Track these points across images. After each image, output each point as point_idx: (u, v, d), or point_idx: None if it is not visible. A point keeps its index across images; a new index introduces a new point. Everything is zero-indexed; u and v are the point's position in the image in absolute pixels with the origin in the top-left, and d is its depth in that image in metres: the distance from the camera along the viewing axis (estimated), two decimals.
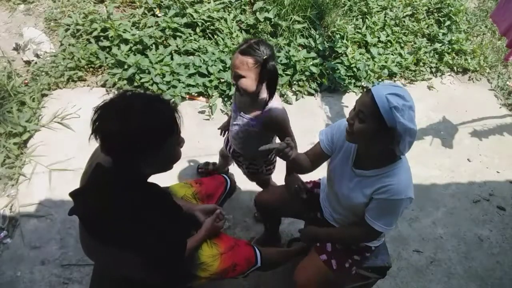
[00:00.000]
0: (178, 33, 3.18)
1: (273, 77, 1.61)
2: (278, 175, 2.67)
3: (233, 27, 3.29)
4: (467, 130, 3.26)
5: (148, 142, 1.07)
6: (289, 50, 3.21)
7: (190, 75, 2.98)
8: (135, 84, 2.88)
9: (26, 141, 2.59)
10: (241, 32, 3.36)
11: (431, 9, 3.96)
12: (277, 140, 1.88)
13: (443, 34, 3.75)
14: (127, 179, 1.15)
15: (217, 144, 2.80)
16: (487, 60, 3.76)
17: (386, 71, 3.39)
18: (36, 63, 2.99)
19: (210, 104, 2.94)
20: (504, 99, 3.57)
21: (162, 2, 3.32)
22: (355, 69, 3.26)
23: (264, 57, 1.54)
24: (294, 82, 3.21)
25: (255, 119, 1.72)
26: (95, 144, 1.12)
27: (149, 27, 3.14)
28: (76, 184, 1.30)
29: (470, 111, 3.40)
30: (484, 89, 3.66)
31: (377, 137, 1.28)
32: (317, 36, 3.37)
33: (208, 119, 2.93)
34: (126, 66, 2.88)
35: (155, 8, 3.30)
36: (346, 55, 3.31)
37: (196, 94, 3.01)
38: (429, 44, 3.72)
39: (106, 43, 3.02)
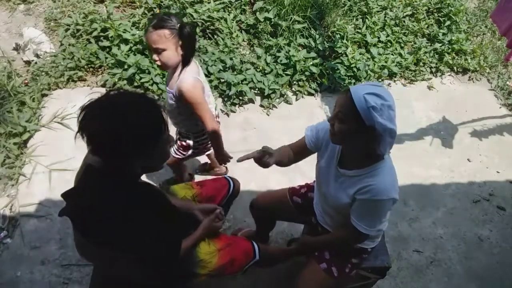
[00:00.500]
0: None
1: (191, 43, 1.64)
2: (278, 176, 2.68)
3: (233, 27, 3.29)
4: (467, 130, 3.26)
5: (134, 142, 1.06)
6: (289, 50, 3.21)
7: None
8: (135, 84, 2.88)
9: (26, 141, 2.59)
10: (241, 32, 3.36)
11: (431, 9, 3.95)
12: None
13: (443, 34, 3.75)
14: (116, 179, 1.15)
15: None
16: (487, 60, 3.76)
17: (386, 71, 3.39)
18: (36, 63, 2.99)
19: None
20: (504, 99, 3.57)
21: (162, 2, 3.32)
22: (355, 69, 3.26)
23: (178, 25, 1.58)
24: (294, 82, 3.21)
25: (171, 92, 1.76)
26: None
27: None
28: None
29: (470, 111, 3.40)
30: (484, 89, 3.66)
31: (358, 137, 1.28)
32: (317, 36, 3.37)
33: None
34: (126, 66, 2.88)
35: (155, 8, 3.30)
36: (346, 55, 3.31)
37: None
38: (429, 44, 3.72)
39: (106, 43, 3.02)
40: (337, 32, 3.48)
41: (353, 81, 3.29)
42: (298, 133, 3.17)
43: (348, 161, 1.45)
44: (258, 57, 3.21)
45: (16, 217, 2.27)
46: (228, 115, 2.98)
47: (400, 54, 3.55)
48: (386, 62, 3.40)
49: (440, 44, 3.68)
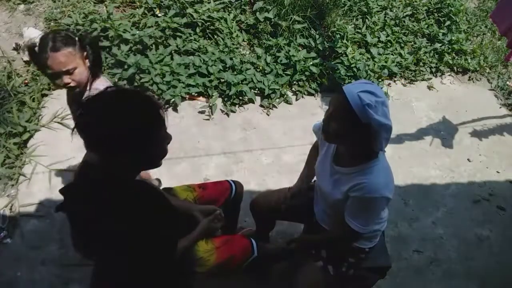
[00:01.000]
0: (178, 33, 3.18)
1: (96, 50, 1.57)
2: (278, 176, 2.68)
3: (233, 27, 3.29)
4: (467, 130, 3.26)
5: (132, 139, 1.06)
6: (289, 50, 3.21)
7: (190, 75, 2.98)
8: (135, 84, 2.88)
9: (26, 141, 2.59)
10: (241, 32, 3.36)
11: (431, 9, 3.95)
12: None
13: (443, 34, 3.75)
14: (113, 176, 1.14)
15: (217, 144, 2.81)
16: (487, 60, 3.76)
17: (386, 71, 3.39)
18: None
19: (210, 104, 2.94)
20: (504, 99, 3.57)
21: (162, 2, 3.31)
22: (355, 69, 3.26)
23: (75, 37, 1.52)
24: (294, 82, 3.21)
25: None
26: None
27: (149, 27, 3.14)
28: None
29: (470, 111, 3.40)
30: (484, 89, 3.66)
31: (353, 135, 1.29)
32: (317, 36, 3.37)
33: (208, 119, 2.93)
34: (126, 66, 2.88)
35: (155, 8, 3.30)
36: (346, 55, 3.31)
37: (196, 94, 3.01)
38: (429, 44, 3.72)
39: (106, 43, 3.02)
40: (337, 32, 3.47)
41: (353, 81, 3.29)
42: (298, 133, 3.19)
43: (343, 158, 1.46)
44: (258, 57, 3.21)
45: (16, 217, 2.27)
46: (228, 115, 2.98)
47: (400, 54, 3.55)
48: (386, 62, 3.40)
49: (440, 44, 3.68)
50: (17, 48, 3.10)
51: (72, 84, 1.55)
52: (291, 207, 1.82)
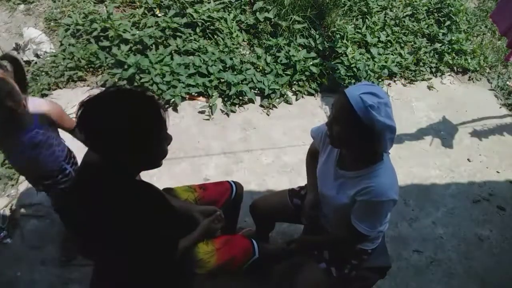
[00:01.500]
0: (178, 33, 3.18)
1: (19, 68, 1.49)
2: (278, 176, 2.67)
3: (233, 27, 3.29)
4: (467, 130, 3.26)
5: (133, 138, 1.06)
6: (289, 50, 3.21)
7: (190, 75, 2.98)
8: (135, 84, 2.88)
9: None
10: (241, 32, 3.36)
11: (431, 9, 3.95)
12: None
13: (443, 34, 3.75)
14: (114, 175, 1.14)
15: (217, 144, 2.81)
16: (487, 60, 3.76)
17: (386, 71, 3.39)
18: (36, 63, 2.99)
19: (210, 104, 2.94)
20: (504, 99, 3.57)
21: (162, 2, 3.32)
22: (355, 69, 3.26)
23: (5, 61, 1.44)
24: (294, 82, 3.21)
25: (35, 128, 1.57)
26: None
27: (149, 27, 3.14)
28: None
29: (470, 111, 3.40)
30: (484, 89, 3.66)
31: (358, 138, 1.28)
32: (317, 36, 3.37)
33: (208, 119, 2.93)
34: (126, 66, 2.88)
35: (155, 8, 3.30)
36: (346, 55, 3.31)
37: (196, 94, 3.01)
38: (429, 44, 3.72)
39: (106, 43, 3.02)
40: (337, 32, 3.47)
41: (353, 81, 3.29)
42: (298, 133, 3.18)
43: (347, 162, 1.45)
44: (258, 57, 3.21)
45: (16, 217, 2.27)
46: (228, 115, 2.98)
47: (400, 54, 3.55)
48: (386, 62, 3.40)
49: (440, 44, 3.68)
50: (17, 48, 3.10)
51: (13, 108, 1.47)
52: (294, 211, 1.82)
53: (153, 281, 1.30)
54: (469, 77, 3.70)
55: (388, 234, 2.43)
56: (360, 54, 3.39)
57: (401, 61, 3.50)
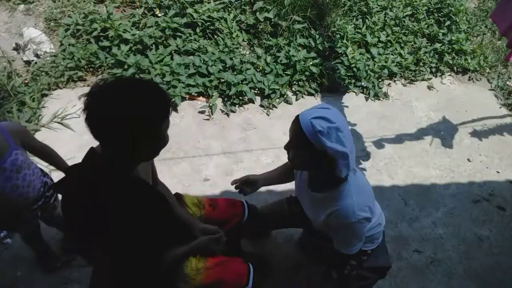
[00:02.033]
0: (178, 33, 3.18)
1: None
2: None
3: (233, 27, 3.29)
4: (467, 130, 3.26)
5: (142, 128, 1.04)
6: (289, 50, 3.21)
7: (190, 75, 2.98)
8: None
9: None
10: (241, 32, 3.36)
11: (431, 9, 3.95)
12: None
13: (443, 34, 3.75)
14: (110, 173, 1.13)
15: (217, 144, 2.81)
16: (487, 60, 3.76)
17: (386, 71, 3.39)
18: (36, 63, 2.99)
19: (210, 104, 2.94)
20: (504, 99, 3.57)
21: (162, 2, 3.32)
22: (355, 69, 3.26)
23: None
24: (294, 82, 3.21)
25: (15, 154, 1.47)
26: (95, 142, 1.11)
27: (149, 27, 3.14)
28: None
29: (470, 111, 3.40)
30: (484, 89, 3.66)
31: (314, 162, 1.27)
32: (317, 36, 3.37)
33: (208, 119, 2.93)
34: (126, 66, 2.88)
35: (155, 8, 3.30)
36: (346, 55, 3.31)
37: (196, 94, 3.01)
38: (429, 44, 3.72)
39: (106, 43, 3.02)
40: (337, 32, 3.47)
41: (353, 81, 3.29)
42: None
43: (316, 184, 1.44)
44: (258, 57, 3.21)
45: None
46: (228, 115, 2.98)
47: (400, 54, 3.55)
48: (386, 62, 3.40)
49: (440, 44, 3.68)
50: (17, 48, 3.10)
51: None
52: (293, 214, 1.82)
53: (135, 284, 1.27)
54: (469, 77, 3.70)
55: (388, 234, 2.43)
56: (360, 54, 3.39)
57: (401, 61, 3.50)
